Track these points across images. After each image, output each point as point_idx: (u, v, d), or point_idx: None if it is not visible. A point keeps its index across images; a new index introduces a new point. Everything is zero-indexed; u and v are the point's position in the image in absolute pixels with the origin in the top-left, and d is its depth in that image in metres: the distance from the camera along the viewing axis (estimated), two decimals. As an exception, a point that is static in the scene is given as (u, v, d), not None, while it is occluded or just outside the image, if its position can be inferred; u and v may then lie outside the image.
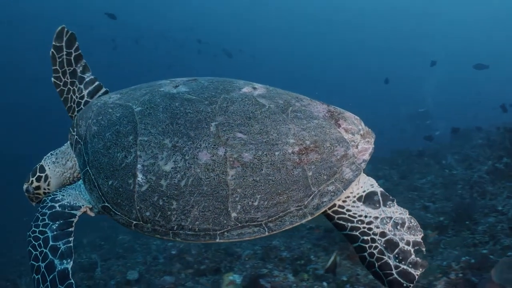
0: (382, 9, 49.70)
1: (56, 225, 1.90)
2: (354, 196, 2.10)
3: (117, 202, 1.85)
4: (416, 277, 1.91)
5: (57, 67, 2.31)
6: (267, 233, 1.87)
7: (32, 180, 2.21)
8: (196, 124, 1.85)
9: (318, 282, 5.06)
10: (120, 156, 1.84)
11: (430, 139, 12.98)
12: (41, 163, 2.24)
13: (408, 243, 1.96)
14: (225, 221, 1.82)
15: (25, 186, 2.22)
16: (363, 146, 2.15)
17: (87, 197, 1.98)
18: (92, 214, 2.04)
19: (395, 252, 1.94)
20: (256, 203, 1.84)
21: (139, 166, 1.80)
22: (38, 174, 2.20)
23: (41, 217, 1.90)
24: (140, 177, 1.80)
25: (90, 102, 2.22)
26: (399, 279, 1.90)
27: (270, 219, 1.87)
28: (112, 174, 1.85)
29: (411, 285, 1.90)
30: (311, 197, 1.94)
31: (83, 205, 1.97)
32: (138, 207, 1.81)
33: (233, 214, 1.82)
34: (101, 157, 1.89)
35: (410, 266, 1.92)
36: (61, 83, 2.33)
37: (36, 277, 1.81)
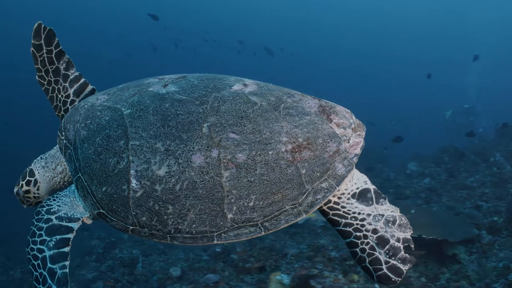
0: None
1: (53, 242, 1.85)
2: (349, 193, 2.14)
3: (112, 208, 1.83)
4: (404, 272, 1.99)
5: (39, 66, 2.24)
6: (263, 233, 1.89)
7: (22, 184, 2.17)
8: (188, 126, 1.83)
9: (369, 284, 4.98)
10: (112, 161, 1.81)
11: (472, 136, 12.54)
12: (31, 167, 2.19)
13: (398, 240, 2.03)
14: (221, 223, 1.82)
15: (15, 189, 2.19)
16: (355, 140, 2.15)
17: (81, 203, 1.96)
18: (89, 222, 2.01)
19: (385, 248, 2.01)
20: (251, 204, 1.85)
21: (132, 171, 1.78)
22: (27, 178, 2.16)
23: (38, 232, 1.86)
24: (134, 182, 1.78)
25: (77, 104, 2.15)
26: (389, 273, 1.98)
27: (265, 218, 1.88)
28: (106, 180, 1.83)
29: (399, 279, 1.98)
30: (305, 195, 1.95)
31: (81, 217, 1.93)
32: (134, 213, 1.81)
33: (229, 216, 1.83)
34: (92, 163, 1.85)
35: (400, 261, 1.99)
36: (45, 82, 2.28)
37: None
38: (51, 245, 1.83)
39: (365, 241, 2.04)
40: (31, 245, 1.83)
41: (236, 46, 28.88)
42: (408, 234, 2.05)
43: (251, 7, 49.53)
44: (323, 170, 2.00)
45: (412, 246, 2.03)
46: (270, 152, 1.89)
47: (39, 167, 2.17)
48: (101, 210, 1.86)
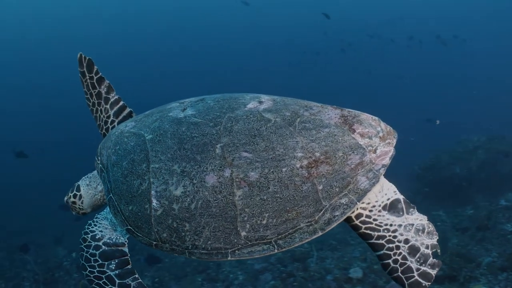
0: None
1: (113, 265, 2.08)
2: (380, 205, 2.10)
3: (137, 225, 2.01)
4: (434, 276, 2.05)
5: (85, 90, 2.58)
6: (276, 251, 1.90)
7: (70, 196, 2.47)
8: (202, 148, 1.92)
9: None
10: (136, 183, 1.98)
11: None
12: (78, 183, 2.49)
13: (427, 247, 2.08)
14: (235, 240, 1.88)
15: (65, 198, 2.50)
16: (383, 149, 2.05)
17: (114, 222, 2.18)
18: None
19: (417, 256, 2.06)
20: (264, 222, 1.87)
21: (153, 192, 1.93)
22: (74, 192, 2.46)
23: (92, 258, 2.09)
24: (154, 202, 1.93)
25: (110, 131, 2.40)
26: (420, 280, 2.04)
27: (279, 236, 1.89)
28: (131, 200, 2.00)
29: (429, 283, 2.04)
30: (322, 212, 1.90)
31: (125, 242, 2.17)
32: (156, 230, 1.95)
33: (243, 233, 1.87)
34: (120, 185, 2.05)
35: (429, 267, 2.05)
36: (90, 103, 2.60)
37: None
38: (113, 267, 2.07)
39: (398, 251, 2.06)
40: (89, 269, 2.06)
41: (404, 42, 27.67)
42: (434, 240, 2.10)
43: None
44: (343, 184, 1.93)
45: (439, 251, 2.08)
46: (284, 169, 1.89)
47: (84, 184, 2.47)
48: (129, 227, 2.05)
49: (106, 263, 2.07)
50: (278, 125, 1.97)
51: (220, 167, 1.89)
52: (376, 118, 2.16)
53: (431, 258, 2.07)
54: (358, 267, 6.45)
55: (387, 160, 2.06)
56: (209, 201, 1.87)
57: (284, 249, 1.90)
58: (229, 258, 1.90)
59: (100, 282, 2.04)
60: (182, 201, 1.89)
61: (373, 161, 2.02)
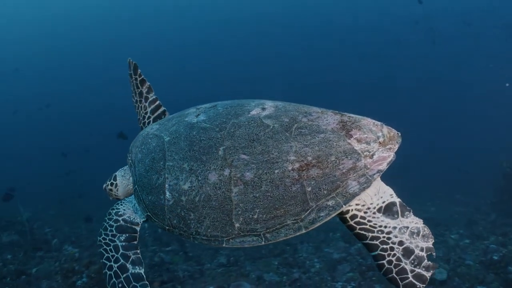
0: None
1: (123, 237, 2.46)
2: (375, 207, 2.20)
3: (154, 212, 2.37)
4: (428, 278, 2.10)
5: (132, 89, 3.01)
6: (263, 242, 2.13)
7: (108, 184, 2.87)
8: (207, 150, 2.20)
9: None
10: (155, 177, 2.34)
11: None
12: (115, 173, 2.89)
13: (422, 249, 2.14)
14: (230, 230, 2.15)
15: (104, 186, 2.90)
16: (381, 155, 2.14)
17: (137, 208, 2.55)
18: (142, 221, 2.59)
19: (411, 258, 2.12)
20: (255, 216, 2.11)
21: (167, 185, 2.27)
22: (112, 181, 2.86)
23: (109, 228, 2.49)
24: (167, 194, 2.27)
25: (139, 133, 2.76)
26: (414, 281, 2.10)
27: (268, 230, 2.12)
28: (150, 191, 2.37)
29: (424, 285, 2.10)
30: (308, 212, 2.08)
31: (140, 221, 2.54)
32: (168, 217, 2.30)
33: (237, 225, 2.14)
34: (143, 178, 2.42)
35: (424, 269, 2.11)
36: (134, 101, 3.02)
37: (108, 272, 2.36)
38: (122, 239, 2.46)
39: (392, 253, 2.14)
40: (103, 236, 2.48)
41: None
42: (430, 243, 2.15)
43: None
44: (332, 188, 2.07)
45: (434, 254, 2.14)
46: (276, 171, 2.09)
47: (120, 175, 2.87)
48: (148, 213, 2.43)
49: (118, 234, 2.46)
50: (276, 130, 2.18)
51: (221, 167, 2.16)
52: (379, 123, 2.22)
53: (426, 260, 2.12)
54: (442, 269, 6.10)
55: (384, 166, 2.14)
56: (210, 195, 2.16)
57: (270, 242, 2.13)
58: (223, 245, 2.18)
59: (107, 248, 2.41)
60: (189, 194, 2.21)
61: (368, 166, 2.12)
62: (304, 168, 2.07)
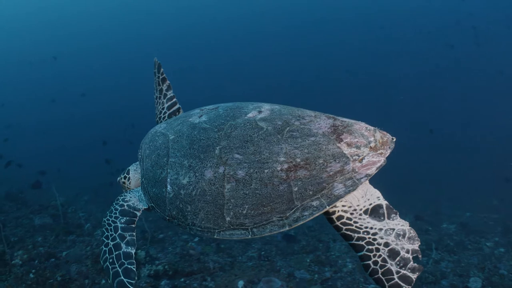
0: None
1: (124, 219, 2.72)
2: (361, 209, 2.28)
3: (157, 203, 2.59)
4: (414, 280, 2.14)
5: (155, 85, 3.26)
6: (250, 236, 2.28)
7: (122, 177, 3.12)
8: (205, 148, 2.38)
9: None
10: (158, 172, 2.55)
11: None
12: (129, 168, 3.14)
13: (408, 251, 2.18)
14: (221, 223, 2.31)
15: (118, 179, 3.16)
16: (371, 159, 2.21)
17: (143, 198, 2.78)
18: (148, 210, 2.81)
19: (396, 259, 2.17)
20: (244, 212, 2.26)
21: (168, 180, 2.48)
22: (125, 174, 3.11)
23: (114, 211, 2.77)
24: (169, 187, 2.48)
25: (149, 131, 2.97)
26: (400, 282, 2.14)
27: (255, 225, 2.26)
28: (154, 184, 2.59)
29: (409, 287, 2.14)
30: (293, 210, 2.20)
31: (142, 208, 2.78)
32: (168, 208, 2.50)
33: (227, 219, 2.30)
34: (149, 172, 2.65)
35: (409, 270, 2.15)
36: (155, 97, 3.27)
37: (104, 249, 2.64)
38: (122, 221, 2.72)
39: (377, 253, 2.20)
40: (108, 217, 2.75)
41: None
42: (416, 246, 2.19)
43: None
44: (317, 189, 2.17)
45: (420, 256, 2.16)
46: (266, 170, 2.23)
47: (132, 169, 3.12)
48: (152, 204, 2.65)
49: (120, 216, 2.72)
50: (268, 132, 2.31)
51: (217, 164, 2.33)
52: (372, 128, 2.28)
53: (411, 262, 2.16)
54: (476, 277, 6.00)
55: (373, 170, 2.21)
56: (206, 190, 2.34)
57: (257, 236, 2.27)
58: (215, 237, 2.35)
59: (109, 228, 2.68)
60: (187, 189, 2.40)
61: (356, 170, 2.20)
62: (292, 169, 2.19)
